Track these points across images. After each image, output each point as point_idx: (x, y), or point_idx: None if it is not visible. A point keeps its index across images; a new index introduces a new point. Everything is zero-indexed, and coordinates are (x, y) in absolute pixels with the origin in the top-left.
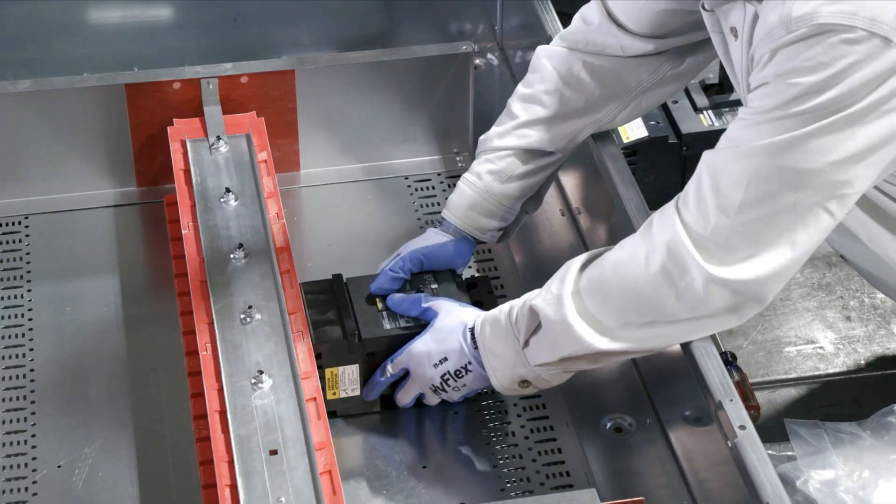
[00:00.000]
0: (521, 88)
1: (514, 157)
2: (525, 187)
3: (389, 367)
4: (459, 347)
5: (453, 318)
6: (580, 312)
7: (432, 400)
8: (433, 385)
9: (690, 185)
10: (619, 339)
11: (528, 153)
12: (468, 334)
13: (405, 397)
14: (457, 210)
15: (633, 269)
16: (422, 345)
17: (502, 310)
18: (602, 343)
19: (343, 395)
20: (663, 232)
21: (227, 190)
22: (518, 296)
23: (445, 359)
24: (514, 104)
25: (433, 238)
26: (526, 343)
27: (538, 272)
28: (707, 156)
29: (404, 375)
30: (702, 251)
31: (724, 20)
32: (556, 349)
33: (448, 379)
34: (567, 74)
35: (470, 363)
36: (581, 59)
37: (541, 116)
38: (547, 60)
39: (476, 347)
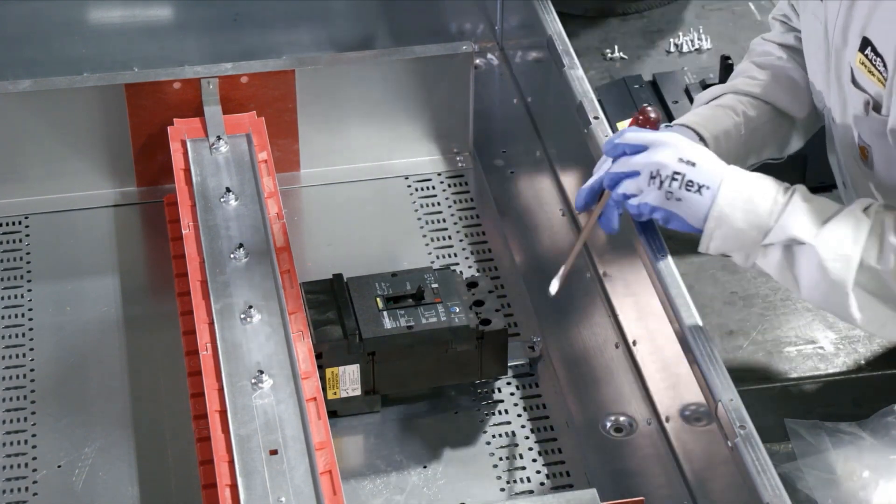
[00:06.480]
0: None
1: None
2: None
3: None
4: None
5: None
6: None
7: (629, 189)
8: (659, 171)
9: None
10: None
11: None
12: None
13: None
14: None
15: None
16: (675, 139)
17: (763, 208)
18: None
19: (343, 394)
20: None
21: (228, 190)
22: (519, 296)
23: (694, 164)
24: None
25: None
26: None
27: (538, 272)
28: None
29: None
30: None
31: None
32: (802, 279)
33: (679, 179)
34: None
35: (707, 188)
36: None
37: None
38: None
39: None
